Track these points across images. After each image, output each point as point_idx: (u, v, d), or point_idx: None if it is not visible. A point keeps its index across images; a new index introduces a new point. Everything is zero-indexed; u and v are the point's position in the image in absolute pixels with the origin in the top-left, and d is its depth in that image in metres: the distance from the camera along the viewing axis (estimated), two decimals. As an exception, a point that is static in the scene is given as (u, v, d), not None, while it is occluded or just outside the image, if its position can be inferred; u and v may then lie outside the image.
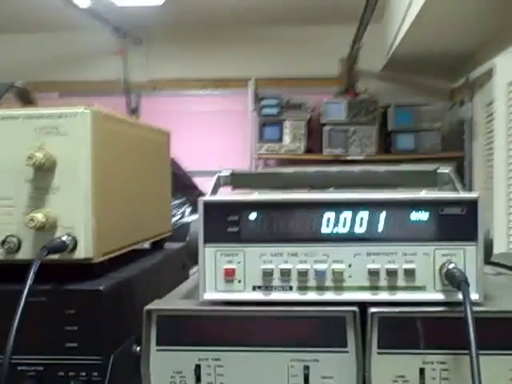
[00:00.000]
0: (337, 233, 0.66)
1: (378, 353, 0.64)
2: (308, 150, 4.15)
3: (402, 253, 0.65)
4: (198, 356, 0.67)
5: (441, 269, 0.64)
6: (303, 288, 0.66)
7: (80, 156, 0.78)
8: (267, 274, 0.66)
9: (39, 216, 0.74)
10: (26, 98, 1.14)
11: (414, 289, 0.65)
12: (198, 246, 0.68)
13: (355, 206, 0.66)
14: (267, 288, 0.67)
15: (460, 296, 0.63)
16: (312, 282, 0.66)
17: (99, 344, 0.75)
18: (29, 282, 0.68)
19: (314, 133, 4.24)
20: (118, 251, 0.87)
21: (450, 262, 0.64)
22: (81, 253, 0.77)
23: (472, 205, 0.64)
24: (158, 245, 1.10)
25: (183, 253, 1.12)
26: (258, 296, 0.67)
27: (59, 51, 4.69)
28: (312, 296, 0.66)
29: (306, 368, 0.66)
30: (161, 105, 4.66)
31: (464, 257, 0.64)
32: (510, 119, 2.85)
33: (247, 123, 4.30)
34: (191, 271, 1.15)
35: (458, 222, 0.64)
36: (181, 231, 1.34)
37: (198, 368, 0.67)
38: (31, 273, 0.69)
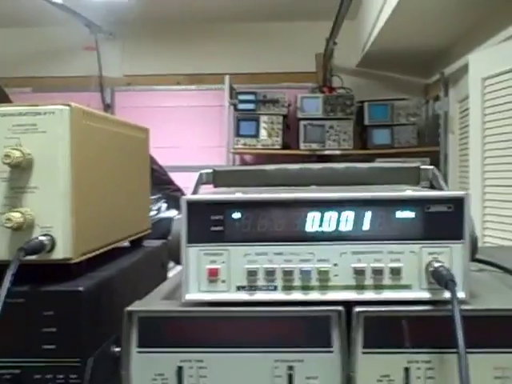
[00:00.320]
0: (322, 232, 0.65)
1: (363, 352, 0.64)
2: (285, 145, 4.15)
3: (388, 251, 0.64)
4: (180, 358, 0.66)
5: (427, 267, 0.64)
6: (288, 288, 0.65)
7: (58, 154, 0.76)
8: (252, 274, 0.65)
9: (16, 216, 0.73)
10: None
11: (399, 287, 0.64)
12: (180, 245, 0.66)
13: (340, 204, 0.66)
14: (252, 288, 0.66)
15: (446, 294, 0.63)
16: (297, 282, 0.65)
17: (78, 346, 0.73)
18: (6, 283, 0.66)
19: (290, 128, 4.24)
20: (97, 251, 0.86)
21: (437, 261, 0.63)
22: (59, 253, 0.76)
23: (459, 202, 0.63)
24: (137, 243, 1.08)
25: (162, 251, 1.11)
26: (243, 296, 0.66)
27: (31, 46, 4.61)
28: (297, 296, 0.65)
29: (291, 368, 0.65)
30: (135, 100, 4.62)
31: (450, 255, 0.64)
32: (485, 114, 2.88)
33: (223, 119, 4.28)
34: (170, 270, 1.14)
35: (445, 220, 0.64)
36: (157, 227, 1.32)
37: (180, 370, 0.66)
38: (9, 274, 0.67)
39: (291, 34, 4.52)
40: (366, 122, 4.10)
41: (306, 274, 0.65)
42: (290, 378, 0.64)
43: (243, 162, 4.52)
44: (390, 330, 0.63)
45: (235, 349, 0.65)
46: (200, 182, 0.93)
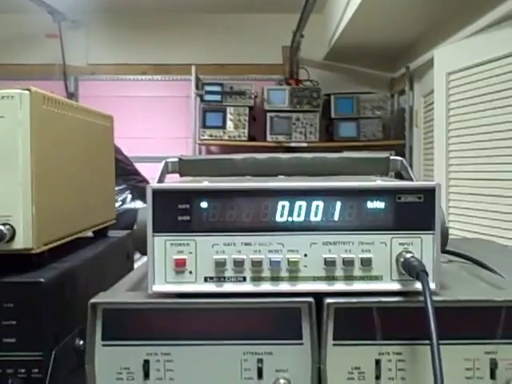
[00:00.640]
0: (292, 221, 0.64)
1: (334, 344, 0.63)
2: (251, 137, 4.13)
3: (359, 242, 0.64)
4: (147, 351, 0.64)
5: (398, 258, 0.63)
6: (257, 279, 0.64)
7: (18, 140, 0.74)
8: (220, 265, 0.64)
9: (-27, 204, 0.70)
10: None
11: (370, 278, 0.63)
12: (146, 235, 0.64)
13: (310, 194, 0.64)
14: (220, 279, 0.64)
15: (417, 285, 0.62)
16: (266, 273, 0.64)
17: (40, 339, 0.71)
18: (-37, 274, 0.64)
19: (256, 120, 4.23)
20: (60, 241, 0.83)
21: (407, 251, 0.63)
22: (19, 243, 0.73)
23: (430, 193, 0.63)
24: (101, 233, 1.05)
25: (128, 242, 1.09)
26: (210, 287, 0.64)
27: (-8, 33, 4.50)
28: (266, 287, 0.64)
29: (260, 361, 0.63)
30: (100, 89, 4.54)
31: (421, 246, 0.63)
32: (449, 108, 2.91)
33: (190, 110, 4.24)
34: (136, 261, 1.11)
35: (415, 211, 0.63)
36: (122, 218, 1.30)
37: (146, 363, 0.64)
38: (-35, 265, 0.64)
39: (258, 25, 4.49)
40: (333, 114, 4.11)
41: (275, 264, 0.63)
42: (260, 370, 0.63)
43: (209, 154, 4.49)
44: (361, 321, 0.63)
45: (203, 341, 0.64)
46: (165, 170, 0.91)
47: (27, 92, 0.75)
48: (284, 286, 0.64)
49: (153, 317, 0.64)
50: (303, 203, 0.64)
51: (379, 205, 0.64)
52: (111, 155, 1.12)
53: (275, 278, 0.64)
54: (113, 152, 1.13)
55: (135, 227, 0.69)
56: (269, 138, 4.07)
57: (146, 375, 0.64)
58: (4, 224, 0.72)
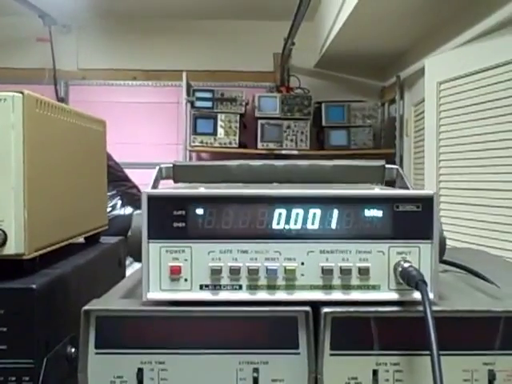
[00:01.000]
0: (289, 229, 0.63)
1: (331, 354, 0.62)
2: (242, 144, 4.12)
3: (356, 250, 0.63)
4: (141, 359, 0.63)
5: (395, 267, 0.62)
6: (253, 287, 0.63)
7: (10, 143, 0.73)
8: (215, 272, 0.63)
9: (-36, 208, 0.69)
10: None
11: (368, 288, 0.63)
12: (140, 241, 0.63)
13: (307, 201, 0.64)
14: (215, 287, 0.63)
15: (415, 295, 0.62)
16: (263, 281, 0.63)
17: (31, 346, 0.70)
18: (-47, 280, 0.62)
19: (248, 127, 4.23)
20: (52, 246, 0.82)
21: (405, 261, 0.62)
22: (11, 248, 0.72)
23: (428, 202, 0.62)
24: (93, 239, 1.04)
25: (120, 248, 1.08)
26: (206, 295, 0.63)
27: (-18, 37, 4.47)
28: (263, 295, 0.63)
29: (256, 371, 0.63)
30: (90, 95, 4.52)
31: (419, 255, 0.62)
32: (440, 117, 2.92)
33: (180, 116, 4.23)
34: (127, 267, 1.10)
35: (414, 219, 0.62)
36: (112, 224, 1.28)
37: (140, 372, 0.63)
38: (-44, 270, 0.63)
39: (250, 32, 4.50)
40: (324, 122, 4.12)
41: (272, 272, 0.63)
42: (255, 380, 0.62)
43: (200, 160, 4.48)
44: (358, 331, 0.62)
45: (198, 350, 0.63)
46: (159, 176, 0.90)
47: (20, 95, 0.74)
48: (280, 295, 0.63)
49: (147, 325, 0.63)
50: (300, 211, 0.63)
51: (377, 213, 0.63)
52: (103, 160, 1.11)
53: (272, 287, 0.63)
54: (105, 157, 1.11)
55: (129, 233, 0.68)
56: (260, 145, 4.07)
57: (140, 384, 0.63)
58: (-5, 229, 0.71)
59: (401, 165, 3.93)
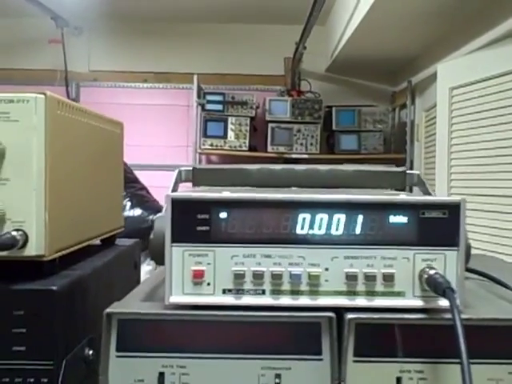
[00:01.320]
0: (313, 234, 0.63)
1: (354, 361, 0.61)
2: (252, 147, 4.12)
3: (381, 257, 0.62)
4: (162, 363, 0.62)
5: (421, 274, 0.62)
6: (277, 292, 0.62)
7: (32, 144, 0.72)
8: (238, 277, 0.62)
9: (-13, 209, 0.68)
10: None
11: (392, 294, 0.62)
12: (163, 244, 0.63)
13: (332, 206, 0.63)
14: (238, 291, 0.63)
15: (440, 302, 0.61)
16: (286, 286, 0.62)
17: (51, 348, 0.69)
18: (-25, 281, 0.62)
19: (258, 130, 4.22)
20: (71, 248, 0.82)
21: (431, 268, 0.61)
22: (32, 249, 0.72)
23: (454, 208, 0.62)
24: (109, 241, 1.04)
25: (135, 250, 1.07)
26: (229, 300, 0.63)
27: (-5, 38, 4.49)
28: (286, 300, 0.62)
29: (278, 376, 0.62)
30: (101, 96, 4.52)
31: (445, 262, 0.62)
32: (452, 123, 2.91)
33: (191, 118, 4.23)
34: (144, 269, 1.10)
35: (439, 226, 0.62)
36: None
37: (161, 376, 0.62)
38: (-22, 271, 0.63)
39: (261, 36, 4.50)
40: (334, 126, 4.11)
41: (295, 278, 0.62)
42: (278, 386, 0.62)
43: (210, 163, 4.48)
44: (382, 337, 0.61)
45: (220, 355, 0.62)
46: (179, 179, 0.90)
47: (42, 96, 0.74)
48: (304, 300, 0.62)
49: (169, 328, 0.63)
50: (325, 216, 0.63)
51: (402, 219, 0.63)
52: (120, 162, 1.11)
53: (295, 292, 0.62)
54: (122, 159, 1.11)
55: (152, 236, 0.68)
56: (270, 148, 4.06)
57: (161, 388, 0.62)
58: (17, 230, 0.71)
59: (411, 169, 3.90)
